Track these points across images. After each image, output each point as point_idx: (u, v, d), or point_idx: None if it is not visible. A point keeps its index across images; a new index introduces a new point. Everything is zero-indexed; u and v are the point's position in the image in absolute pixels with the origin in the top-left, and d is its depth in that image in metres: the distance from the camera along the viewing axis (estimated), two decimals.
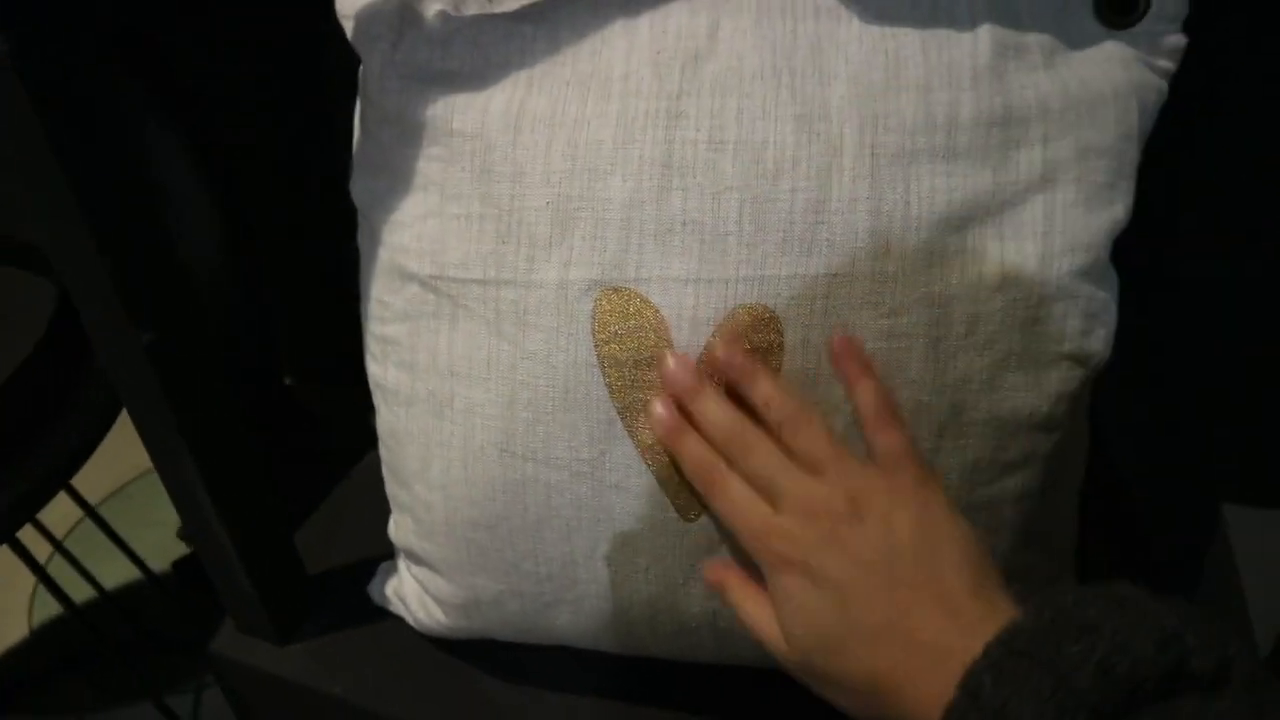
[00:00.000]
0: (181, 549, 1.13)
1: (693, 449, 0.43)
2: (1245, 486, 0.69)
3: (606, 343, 0.44)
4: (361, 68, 0.50)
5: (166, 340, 0.49)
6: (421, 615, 0.56)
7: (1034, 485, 0.45)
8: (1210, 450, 0.70)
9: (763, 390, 0.42)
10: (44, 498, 0.65)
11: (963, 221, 0.42)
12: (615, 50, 0.46)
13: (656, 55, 0.45)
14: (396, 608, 0.59)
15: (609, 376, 0.44)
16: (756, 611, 0.42)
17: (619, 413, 0.45)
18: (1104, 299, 0.45)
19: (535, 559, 0.48)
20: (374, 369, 0.52)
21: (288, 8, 0.82)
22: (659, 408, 0.43)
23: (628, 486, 0.45)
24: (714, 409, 0.42)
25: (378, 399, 0.53)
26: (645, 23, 0.46)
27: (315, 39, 0.82)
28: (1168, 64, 0.45)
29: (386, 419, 0.52)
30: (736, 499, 0.41)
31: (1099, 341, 0.45)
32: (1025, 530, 0.45)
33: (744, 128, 0.43)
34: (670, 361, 0.43)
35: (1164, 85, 0.45)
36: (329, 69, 0.84)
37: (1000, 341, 0.43)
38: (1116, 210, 0.44)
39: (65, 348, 0.67)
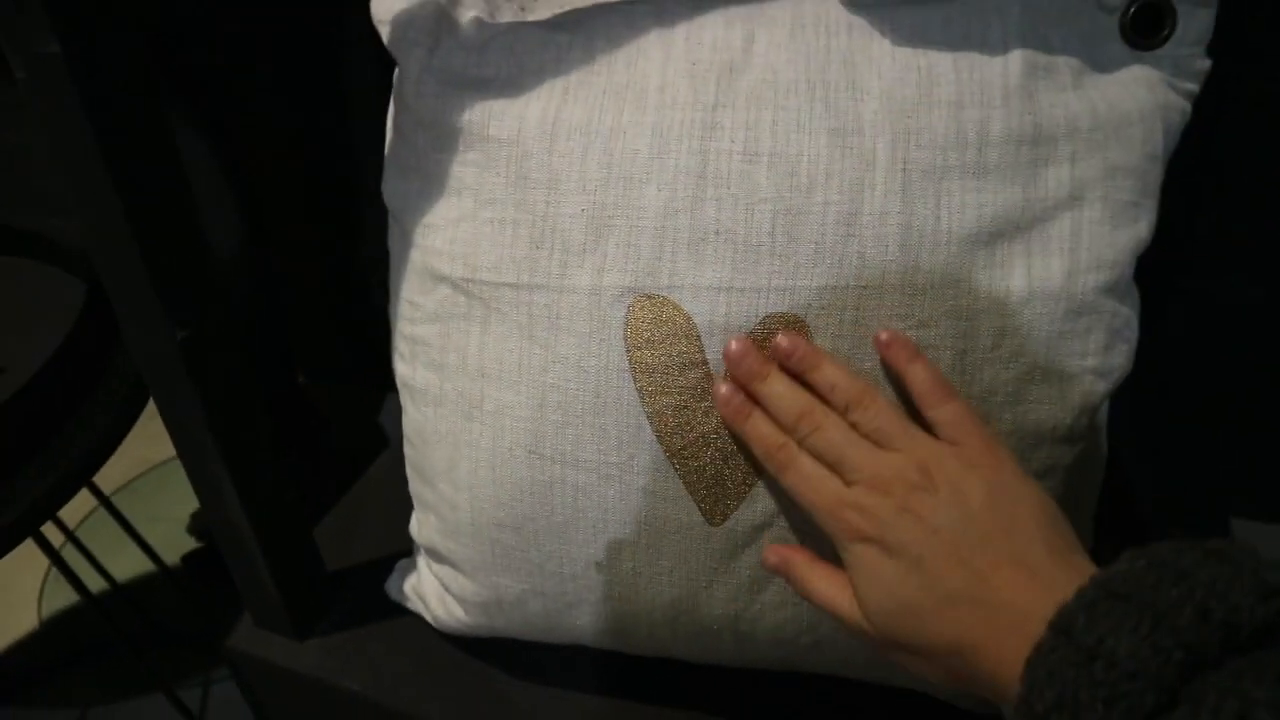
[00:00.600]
0: (190, 543, 1.14)
1: (761, 428, 0.43)
2: (1251, 498, 0.70)
3: (638, 348, 0.45)
4: (397, 72, 0.51)
5: (200, 337, 0.50)
6: (440, 613, 0.57)
7: (1055, 496, 0.45)
8: (1217, 461, 0.71)
9: (828, 374, 0.42)
10: (67, 494, 0.66)
11: (992, 237, 0.43)
12: (651, 61, 0.46)
13: (692, 67, 0.46)
14: (415, 605, 0.60)
15: (640, 381, 0.45)
16: (829, 589, 0.42)
17: (649, 417, 0.45)
18: (1127, 314, 0.45)
19: (560, 560, 0.49)
20: (402, 369, 0.53)
21: (310, 10, 0.83)
22: (724, 388, 0.44)
23: (655, 490, 0.46)
24: (782, 388, 0.43)
25: (405, 398, 0.54)
26: (681, 34, 0.47)
27: (337, 40, 0.84)
28: (1192, 86, 0.46)
29: (414, 418, 0.53)
30: (809, 474, 0.42)
31: (1121, 356, 0.45)
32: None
33: (778, 140, 0.44)
34: (734, 345, 0.44)
35: (1187, 106, 0.46)
36: (349, 70, 0.85)
37: (1026, 355, 0.44)
38: (1140, 228, 0.45)
39: (90, 344, 0.68)
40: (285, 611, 0.62)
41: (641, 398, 0.45)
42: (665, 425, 0.45)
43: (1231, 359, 0.67)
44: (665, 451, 0.45)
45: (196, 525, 1.13)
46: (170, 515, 1.12)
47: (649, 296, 0.45)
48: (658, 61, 0.46)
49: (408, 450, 0.55)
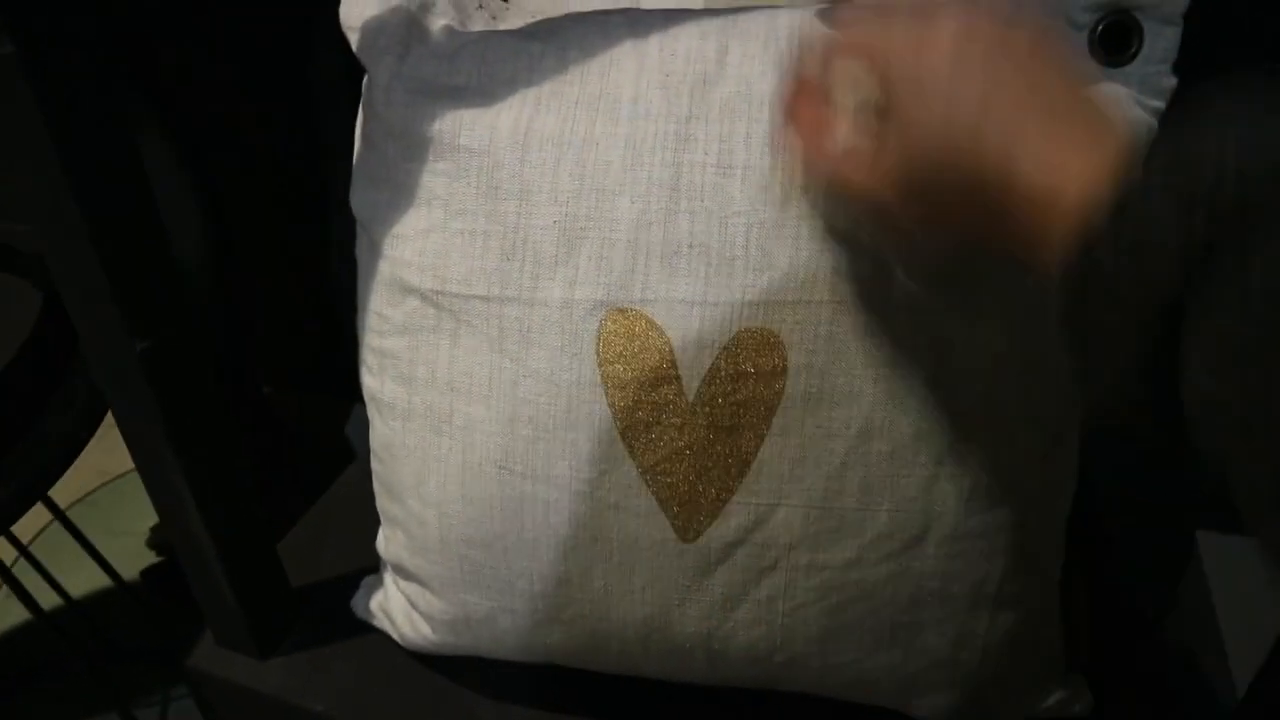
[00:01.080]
0: (148, 558, 1.11)
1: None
2: (1218, 511, 0.71)
3: (611, 362, 0.44)
4: (366, 80, 0.50)
5: (161, 348, 0.49)
6: (408, 631, 0.56)
7: (1028, 512, 0.45)
8: (1184, 473, 0.71)
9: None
10: (21, 509, 0.64)
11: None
12: (624, 71, 0.46)
13: (665, 78, 0.45)
14: (381, 622, 0.58)
15: (612, 397, 0.44)
16: (840, 162, 0.38)
17: (620, 433, 0.45)
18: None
19: (530, 577, 0.48)
20: (370, 382, 0.52)
21: (276, 16, 0.82)
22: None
23: (627, 506, 0.45)
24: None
25: (372, 412, 0.53)
26: (654, 45, 0.46)
27: (302, 46, 0.82)
28: (1158, 103, 0.46)
29: (381, 432, 0.52)
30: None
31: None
32: (1018, 556, 0.46)
33: (752, 153, 0.43)
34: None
35: (1154, 123, 0.46)
36: (316, 76, 0.84)
37: (1000, 372, 0.44)
38: None
39: (47, 353, 0.66)
40: (247, 629, 0.61)
41: (614, 413, 0.44)
42: (638, 441, 0.45)
43: None
44: (637, 468, 0.45)
45: (157, 539, 1.11)
46: (130, 529, 1.09)
47: (621, 310, 0.44)
48: (631, 72, 0.46)
49: (375, 465, 0.54)
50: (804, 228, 0.43)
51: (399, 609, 0.56)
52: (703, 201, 0.44)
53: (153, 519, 1.13)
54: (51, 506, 0.87)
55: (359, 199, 0.51)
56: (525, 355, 0.45)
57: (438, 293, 0.47)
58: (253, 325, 1.02)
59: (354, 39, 0.50)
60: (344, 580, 0.63)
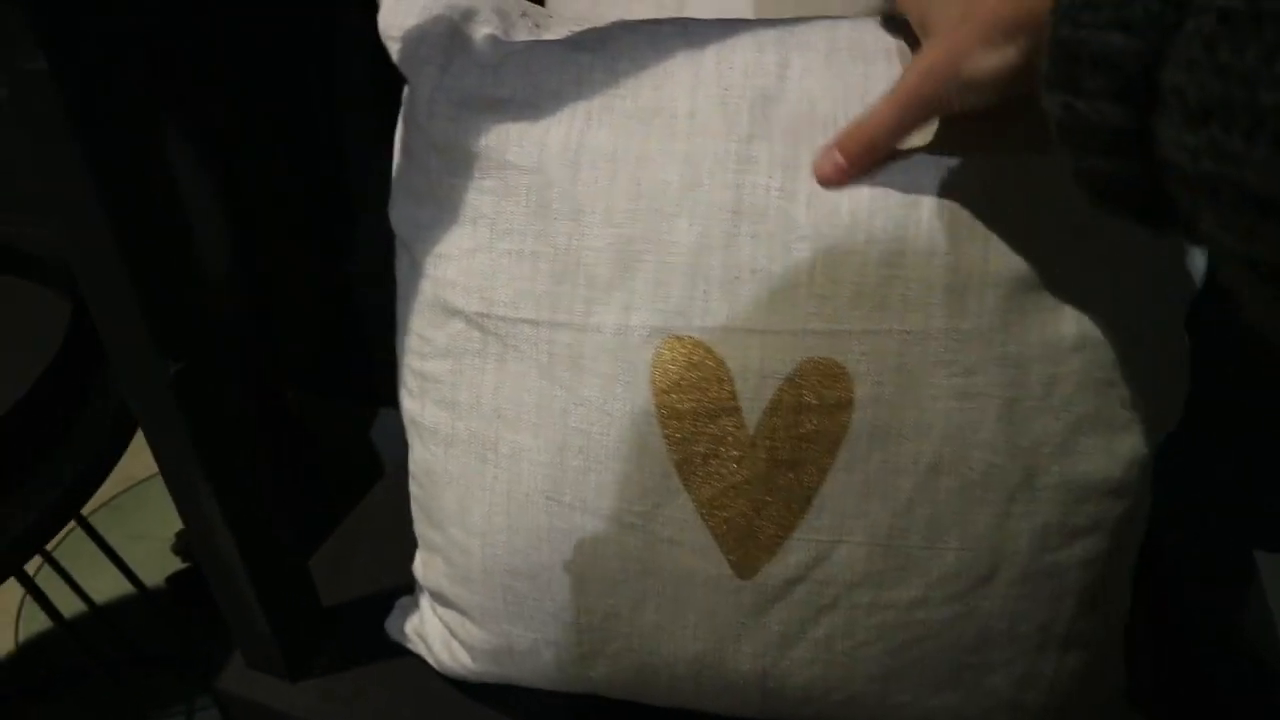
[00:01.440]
0: (172, 563, 1.10)
1: None
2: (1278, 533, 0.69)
3: (666, 392, 0.42)
4: (406, 91, 0.48)
5: (194, 370, 0.47)
6: (445, 658, 0.54)
7: (1101, 551, 0.43)
8: (1244, 495, 0.69)
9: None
10: (55, 526, 0.62)
11: (1042, 280, 0.41)
12: (679, 84, 0.44)
13: (724, 93, 0.43)
14: (416, 646, 0.57)
15: (667, 428, 0.42)
16: None
17: (676, 465, 0.43)
18: (1178, 360, 0.43)
19: (576, 610, 0.46)
20: (410, 405, 0.50)
21: (304, 20, 0.80)
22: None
23: (681, 541, 0.44)
24: None
25: (412, 436, 0.51)
26: (710, 56, 0.44)
27: (330, 52, 0.81)
28: None
29: (422, 457, 0.50)
30: None
31: (1171, 404, 0.43)
32: (1088, 596, 0.44)
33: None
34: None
35: None
36: (343, 82, 0.82)
37: (1076, 404, 0.41)
38: (1190, 278, 0.43)
39: (78, 365, 0.64)
40: (278, 650, 0.59)
41: (669, 444, 0.42)
42: (694, 474, 0.43)
43: (1260, 396, 0.65)
44: (693, 501, 0.43)
45: (182, 544, 1.10)
46: (153, 534, 1.08)
47: (678, 338, 0.42)
48: (686, 85, 0.44)
49: (414, 489, 0.52)
50: (872, 251, 0.41)
51: (436, 636, 0.54)
52: (765, 225, 0.41)
53: (176, 524, 1.12)
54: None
55: (400, 215, 0.49)
56: (576, 383, 0.43)
57: (484, 315, 0.45)
58: (278, 332, 1.01)
59: (394, 49, 0.48)
60: (377, 599, 0.62)
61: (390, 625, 0.59)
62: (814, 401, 0.41)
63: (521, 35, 0.49)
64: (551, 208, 0.44)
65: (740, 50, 0.44)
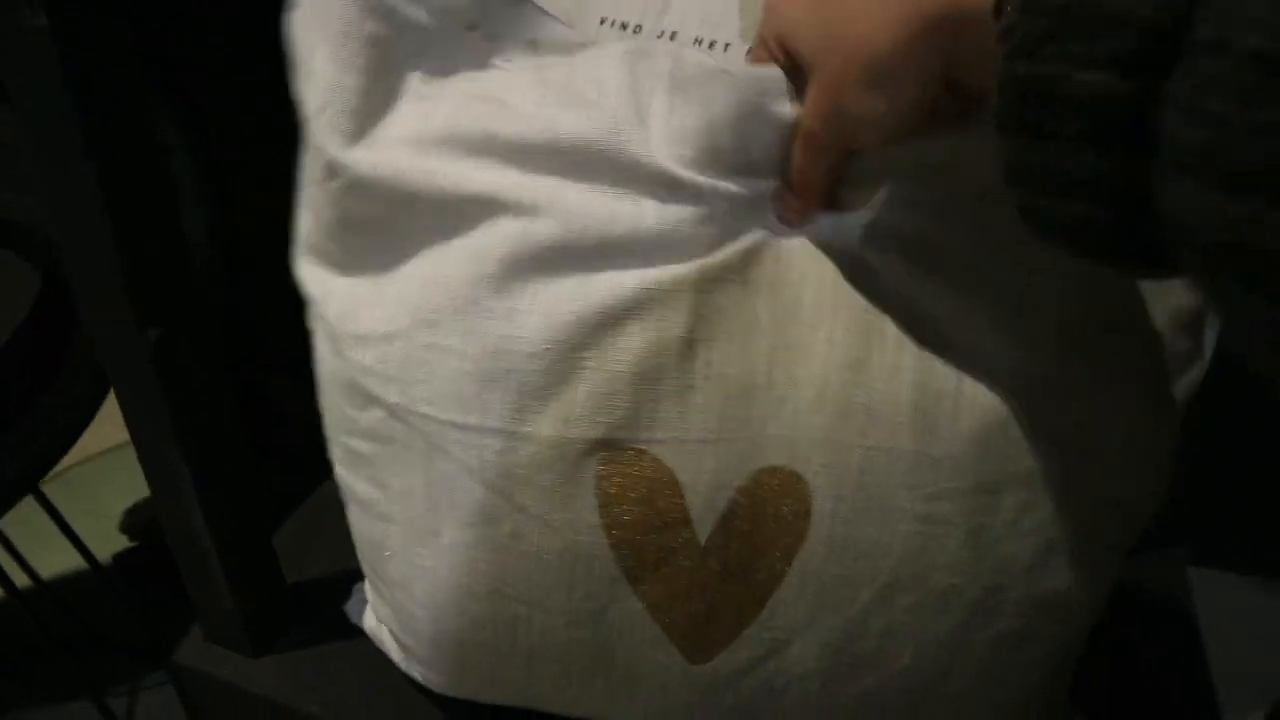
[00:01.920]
0: (121, 542, 1.08)
1: None
2: (1208, 549, 0.71)
3: (611, 506, 0.39)
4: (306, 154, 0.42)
5: (170, 336, 0.47)
6: (402, 665, 0.54)
7: (1054, 653, 0.43)
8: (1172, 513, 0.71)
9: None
10: (17, 494, 0.61)
11: (1022, 406, 0.38)
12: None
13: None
14: (374, 640, 0.56)
15: (612, 538, 0.40)
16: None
17: (624, 571, 0.40)
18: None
19: (526, 682, 0.46)
20: (342, 473, 0.47)
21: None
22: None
23: (631, 634, 0.42)
24: None
25: (348, 500, 0.48)
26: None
27: None
28: None
29: (362, 525, 0.47)
30: None
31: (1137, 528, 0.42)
32: (1042, 681, 0.44)
33: (780, 266, 0.38)
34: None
35: None
36: None
37: (1050, 528, 0.39)
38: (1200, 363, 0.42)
39: (46, 335, 0.63)
40: (241, 625, 0.59)
41: (617, 553, 0.40)
42: (643, 578, 0.40)
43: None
44: (643, 603, 0.41)
45: (131, 523, 1.08)
46: (107, 511, 1.06)
47: (624, 449, 0.38)
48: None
49: (357, 546, 0.49)
50: (834, 355, 0.37)
51: (392, 648, 0.54)
52: (724, 325, 0.38)
53: (126, 502, 1.10)
54: None
55: (309, 275, 0.43)
56: (513, 491, 0.40)
57: (405, 410, 0.40)
58: (253, 309, 1.00)
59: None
60: (341, 577, 0.61)
61: (350, 609, 0.58)
62: (769, 512, 0.39)
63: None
64: (480, 304, 0.39)
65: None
